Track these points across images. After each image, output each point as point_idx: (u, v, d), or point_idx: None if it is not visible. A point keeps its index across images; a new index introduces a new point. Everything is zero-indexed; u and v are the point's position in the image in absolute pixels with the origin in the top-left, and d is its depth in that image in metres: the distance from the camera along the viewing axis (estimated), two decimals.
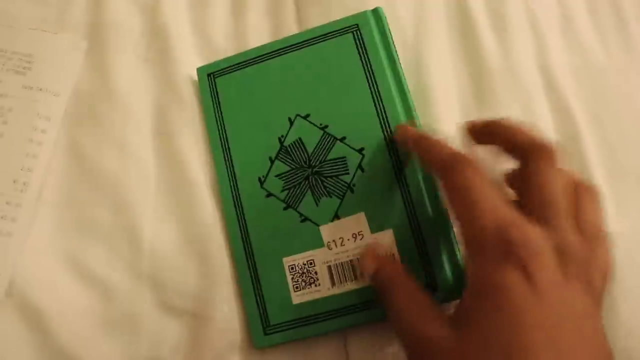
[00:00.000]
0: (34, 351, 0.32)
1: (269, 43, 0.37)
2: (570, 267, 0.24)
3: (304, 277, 0.33)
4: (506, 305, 0.23)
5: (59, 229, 0.35)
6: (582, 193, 0.27)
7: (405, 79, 0.34)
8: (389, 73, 0.34)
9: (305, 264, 0.33)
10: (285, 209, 0.34)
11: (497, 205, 0.26)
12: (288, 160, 0.35)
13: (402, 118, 0.33)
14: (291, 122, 0.35)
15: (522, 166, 0.28)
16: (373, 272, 0.30)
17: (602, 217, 0.27)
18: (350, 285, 0.32)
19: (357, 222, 0.33)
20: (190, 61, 0.38)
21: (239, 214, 0.34)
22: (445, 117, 0.35)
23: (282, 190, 0.34)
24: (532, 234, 0.24)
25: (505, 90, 0.36)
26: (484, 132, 0.29)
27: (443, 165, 0.27)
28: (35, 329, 0.33)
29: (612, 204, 0.34)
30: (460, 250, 0.31)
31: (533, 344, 0.22)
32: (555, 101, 0.36)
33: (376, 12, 0.36)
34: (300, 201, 0.34)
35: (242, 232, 0.34)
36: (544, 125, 0.35)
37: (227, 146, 0.36)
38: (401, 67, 0.35)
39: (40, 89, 0.37)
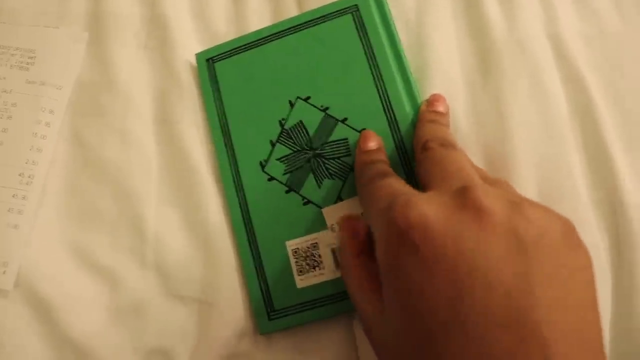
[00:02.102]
0: (42, 341, 0.33)
1: (267, 27, 0.36)
2: (472, 204, 0.22)
3: (307, 261, 0.32)
4: (405, 289, 0.22)
5: (64, 219, 0.35)
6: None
7: (406, 57, 0.34)
8: (389, 53, 0.33)
9: (308, 248, 0.32)
10: (287, 192, 0.33)
11: (393, 187, 0.26)
12: (289, 143, 0.34)
13: (404, 98, 0.33)
14: (292, 105, 0.34)
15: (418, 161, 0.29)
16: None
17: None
18: None
19: None
20: (190, 47, 0.38)
21: (240, 198, 0.34)
22: (449, 95, 0.34)
23: (284, 174, 0.34)
24: (415, 204, 0.22)
25: (512, 63, 0.34)
26: None
27: (357, 177, 0.31)
28: (43, 319, 0.33)
29: (630, 175, 0.33)
30: None
31: (437, 324, 0.21)
32: (567, 71, 0.35)
33: None
34: (303, 184, 0.33)
35: (244, 216, 0.34)
36: (555, 96, 0.34)
37: (227, 131, 0.35)
38: (402, 46, 0.34)
39: (43, 83, 0.38)
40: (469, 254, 0.21)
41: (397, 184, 0.27)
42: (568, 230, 0.22)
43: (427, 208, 0.22)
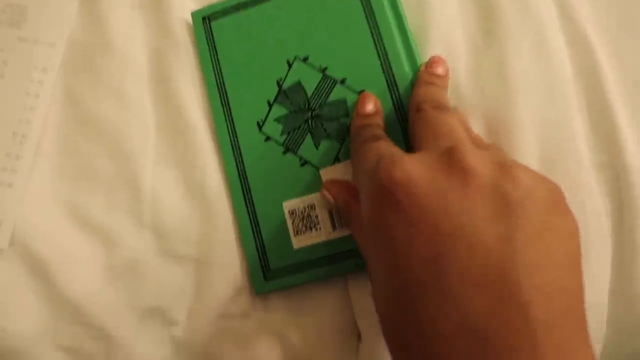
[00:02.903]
0: (38, 300, 0.33)
1: None
2: (458, 164, 0.22)
3: (304, 222, 0.32)
4: (387, 246, 0.22)
5: (58, 179, 0.35)
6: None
7: (406, 18, 0.33)
8: (389, 13, 0.33)
9: (305, 208, 0.32)
10: (284, 152, 0.33)
11: (381, 149, 0.26)
12: (287, 103, 0.33)
13: (403, 58, 0.32)
14: (290, 65, 0.34)
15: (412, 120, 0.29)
16: (335, 200, 0.31)
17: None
18: None
19: None
20: (185, 5, 0.37)
21: (237, 158, 0.34)
22: (450, 55, 0.34)
23: (281, 134, 0.33)
24: (400, 163, 0.22)
25: (515, 23, 0.34)
26: None
27: (352, 140, 0.31)
28: (39, 278, 0.33)
29: (634, 138, 0.32)
30: None
31: (416, 283, 0.21)
32: (572, 32, 0.34)
33: None
34: (300, 145, 0.33)
35: (241, 177, 0.33)
36: (559, 58, 0.33)
37: (224, 91, 0.35)
38: (402, 6, 0.33)
39: (36, 41, 0.37)
40: (452, 213, 0.21)
41: (385, 146, 0.27)
42: (556, 195, 0.22)
43: (412, 167, 0.22)
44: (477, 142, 0.28)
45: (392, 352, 0.23)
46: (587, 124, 0.33)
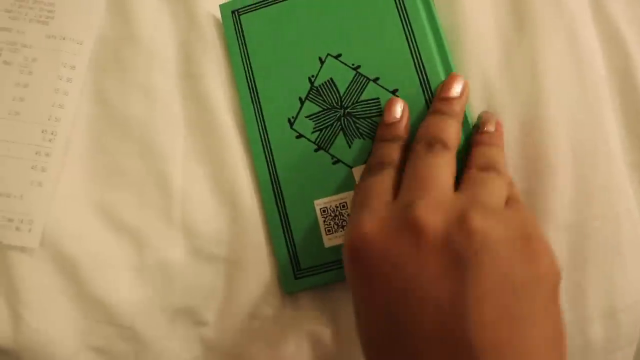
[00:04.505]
0: (68, 300, 0.32)
1: None
2: (412, 222, 0.23)
3: (336, 220, 0.32)
4: (356, 298, 0.25)
5: (88, 177, 0.34)
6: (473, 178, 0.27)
7: (438, 16, 0.33)
8: (422, 10, 0.32)
9: (337, 207, 0.32)
10: (316, 150, 0.33)
11: (372, 192, 0.27)
12: (319, 100, 0.33)
13: (436, 57, 0.32)
14: (322, 62, 0.33)
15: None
16: None
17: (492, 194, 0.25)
18: None
19: None
20: None
21: (267, 155, 0.33)
22: (482, 53, 0.33)
23: (313, 132, 0.33)
24: (361, 227, 0.24)
25: (546, 19, 0.33)
26: None
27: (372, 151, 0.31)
28: (69, 278, 0.32)
29: None
30: None
31: (379, 335, 0.23)
32: (605, 28, 0.33)
33: None
34: (332, 143, 0.32)
35: (272, 174, 0.33)
36: (591, 54, 0.33)
37: (254, 86, 0.34)
38: (434, 5, 0.33)
39: (64, 38, 0.36)
40: (404, 271, 0.22)
41: (382, 185, 0.27)
42: (526, 239, 0.22)
43: (371, 228, 0.24)
44: (478, 167, 0.28)
45: None
46: (620, 122, 0.32)
